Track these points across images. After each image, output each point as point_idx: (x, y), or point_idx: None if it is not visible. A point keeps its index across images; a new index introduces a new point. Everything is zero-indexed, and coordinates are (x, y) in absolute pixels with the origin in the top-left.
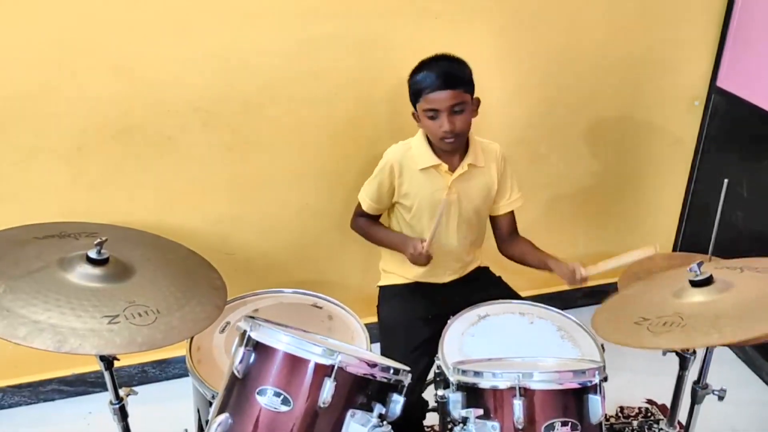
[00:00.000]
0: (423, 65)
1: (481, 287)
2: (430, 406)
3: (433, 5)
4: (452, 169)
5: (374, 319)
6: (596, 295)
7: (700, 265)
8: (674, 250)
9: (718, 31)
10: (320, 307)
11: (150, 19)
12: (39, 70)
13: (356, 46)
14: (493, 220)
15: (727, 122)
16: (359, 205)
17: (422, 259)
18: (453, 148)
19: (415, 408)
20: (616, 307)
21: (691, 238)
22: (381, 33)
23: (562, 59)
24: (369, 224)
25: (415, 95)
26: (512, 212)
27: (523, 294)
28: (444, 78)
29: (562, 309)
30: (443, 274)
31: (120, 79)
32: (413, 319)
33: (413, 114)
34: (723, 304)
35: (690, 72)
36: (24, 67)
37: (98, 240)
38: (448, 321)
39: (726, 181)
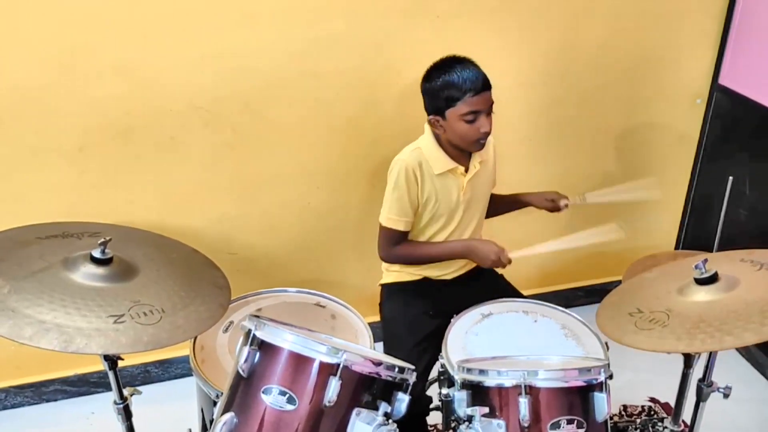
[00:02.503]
0: (449, 69)
1: (483, 285)
2: (433, 403)
3: (434, 4)
4: (466, 170)
5: (377, 318)
6: (599, 293)
7: (705, 262)
8: (677, 247)
9: (720, 28)
10: (323, 306)
11: (152, 19)
12: (41, 71)
13: (357, 46)
14: None
15: (730, 120)
16: (389, 233)
17: (504, 265)
18: (482, 148)
19: (419, 404)
20: (627, 292)
21: (694, 235)
22: (382, 33)
23: (563, 57)
24: (411, 246)
25: (450, 101)
26: None
27: (525, 292)
28: (483, 80)
29: (565, 307)
30: (451, 270)
31: (122, 79)
32: (416, 315)
33: (432, 120)
34: (712, 308)
35: (692, 70)
36: (26, 67)
37: (102, 240)
38: (452, 320)
39: (731, 178)
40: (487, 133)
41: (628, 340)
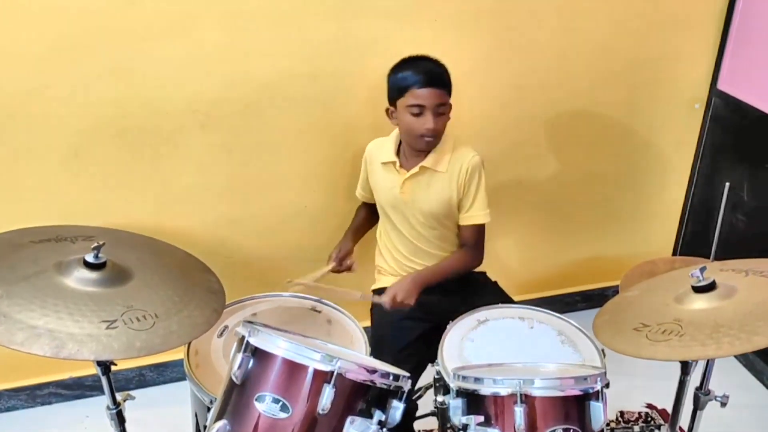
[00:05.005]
0: (408, 62)
1: (474, 292)
2: (427, 411)
3: (432, 7)
4: (406, 168)
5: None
6: (596, 298)
7: (703, 270)
8: (674, 254)
9: (719, 33)
10: (319, 311)
11: (148, 21)
12: (36, 72)
13: (355, 49)
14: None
15: (728, 125)
16: None
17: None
18: (429, 147)
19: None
20: (618, 311)
21: (691, 241)
22: (380, 35)
23: (561, 61)
24: (357, 214)
25: (400, 90)
26: (473, 227)
27: (521, 298)
28: (432, 76)
29: (562, 313)
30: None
31: (118, 80)
32: (402, 320)
33: (387, 110)
34: (724, 312)
35: (690, 75)
36: (21, 69)
37: (95, 244)
38: (447, 326)
39: (727, 184)
40: (430, 130)
41: (647, 352)
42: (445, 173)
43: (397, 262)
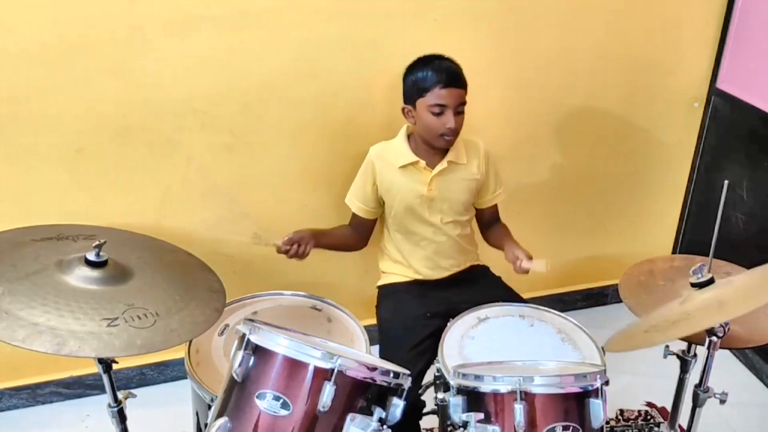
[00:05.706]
0: (426, 61)
1: (480, 287)
2: (427, 408)
3: (432, 7)
4: (431, 166)
5: (374, 321)
6: (595, 297)
7: (701, 267)
8: (674, 252)
9: (718, 32)
10: (319, 310)
11: (149, 20)
12: (37, 71)
13: (355, 48)
14: (478, 211)
15: (727, 124)
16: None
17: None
18: (448, 146)
19: (412, 408)
20: (628, 331)
21: (691, 239)
22: (380, 34)
23: (561, 60)
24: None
25: (420, 90)
26: (496, 205)
27: (522, 296)
28: (455, 76)
29: (562, 311)
30: (439, 270)
31: (119, 80)
32: (411, 318)
33: (404, 110)
34: (726, 294)
35: (690, 73)
36: (22, 68)
37: (97, 242)
38: (448, 323)
39: (726, 182)
40: (452, 130)
41: (657, 339)
42: (466, 164)
43: (409, 267)
